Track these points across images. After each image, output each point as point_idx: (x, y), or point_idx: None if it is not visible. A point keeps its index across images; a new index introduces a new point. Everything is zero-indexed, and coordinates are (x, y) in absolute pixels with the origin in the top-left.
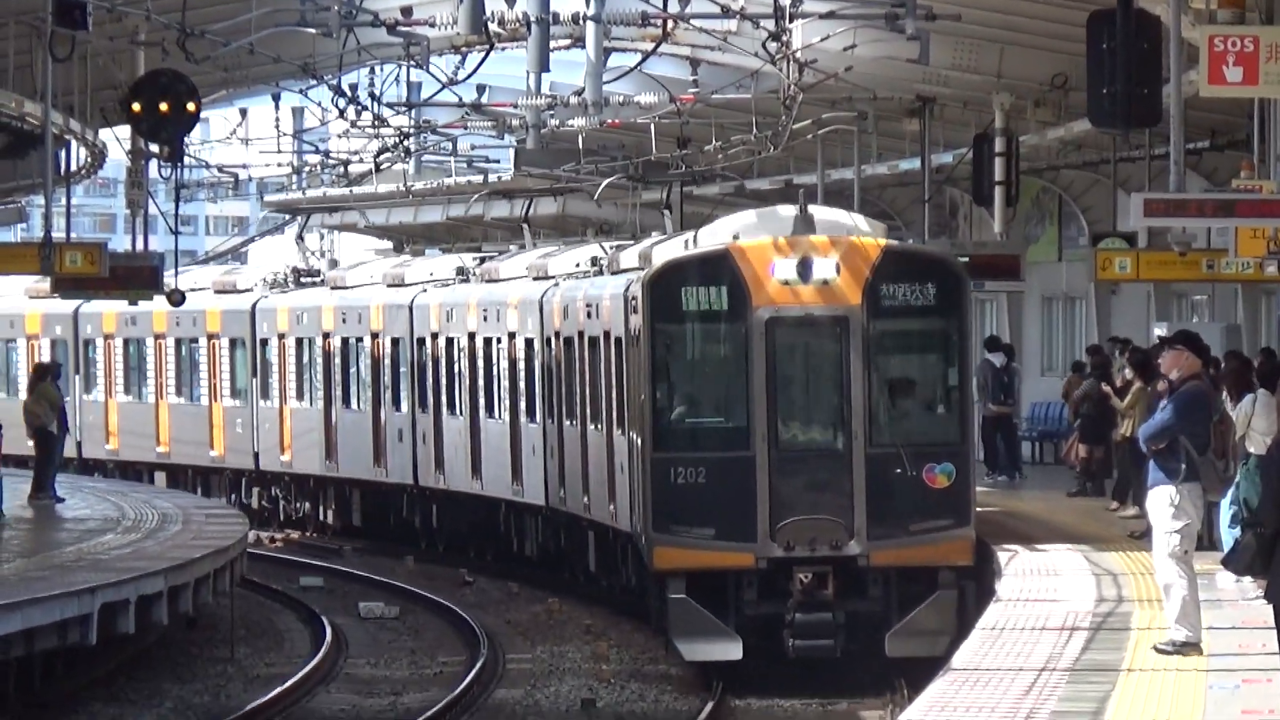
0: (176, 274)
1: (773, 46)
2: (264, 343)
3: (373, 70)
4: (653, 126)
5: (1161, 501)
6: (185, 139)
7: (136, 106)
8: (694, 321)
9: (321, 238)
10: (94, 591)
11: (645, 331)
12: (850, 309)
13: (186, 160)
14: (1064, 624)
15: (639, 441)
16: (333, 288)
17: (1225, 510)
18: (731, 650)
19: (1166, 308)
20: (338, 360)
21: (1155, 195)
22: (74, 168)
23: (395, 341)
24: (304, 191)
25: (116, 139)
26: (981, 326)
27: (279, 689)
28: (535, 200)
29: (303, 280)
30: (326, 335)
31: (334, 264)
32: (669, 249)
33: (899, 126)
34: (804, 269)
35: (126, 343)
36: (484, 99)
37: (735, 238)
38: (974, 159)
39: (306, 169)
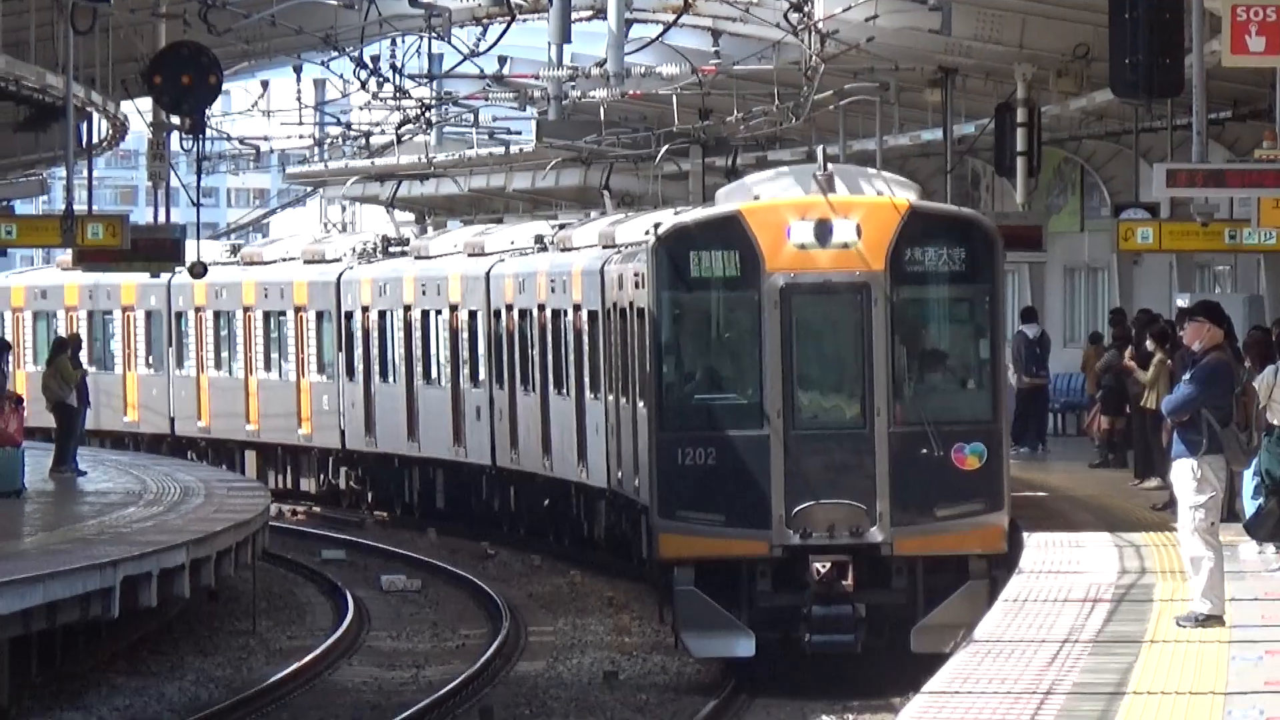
0: (199, 245)
1: (794, 17)
2: (348, 316)
3: (394, 42)
4: (674, 98)
5: (1184, 474)
6: (207, 111)
7: (158, 79)
8: (703, 289)
9: (343, 209)
10: (116, 565)
11: (651, 300)
12: (872, 275)
13: (208, 132)
14: (1086, 596)
15: (646, 420)
16: (415, 257)
17: (1248, 481)
18: (744, 646)
19: (1189, 278)
20: (418, 334)
21: (1177, 165)
22: (95, 140)
23: (473, 314)
24: (325, 163)
25: (138, 111)
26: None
27: (301, 662)
28: (611, 168)
29: (390, 250)
30: (407, 308)
31: (423, 230)
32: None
33: (921, 97)
34: (822, 232)
35: (216, 315)
36: (505, 70)
37: (756, 199)
38: (996, 130)
39: (328, 141)
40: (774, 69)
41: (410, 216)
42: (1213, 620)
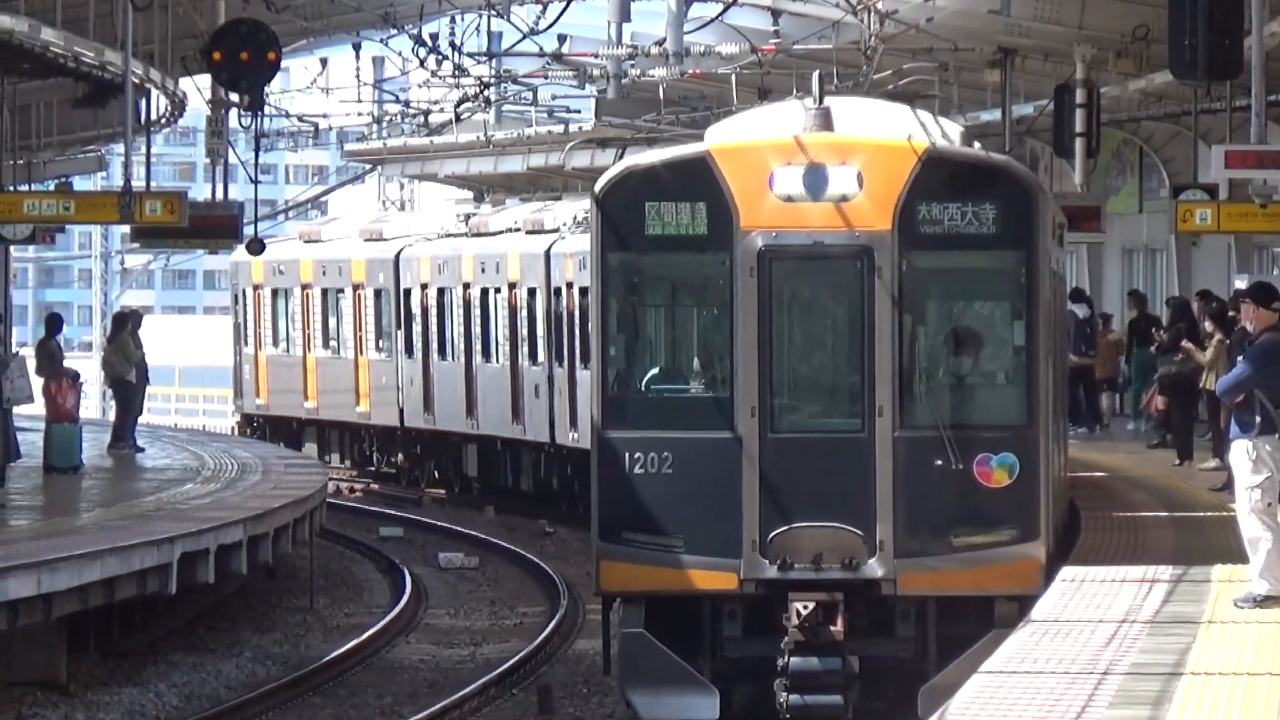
0: (256, 223)
1: None
2: (407, 294)
3: (453, 19)
4: (733, 77)
5: (1240, 456)
6: (265, 88)
7: (217, 55)
8: (660, 251)
9: (401, 187)
10: (173, 541)
11: (594, 265)
12: (876, 236)
13: (266, 109)
14: (1144, 576)
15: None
16: (474, 234)
17: None
18: (705, 707)
19: (1247, 260)
20: (477, 312)
21: (1236, 147)
22: (154, 117)
23: (532, 292)
24: (384, 141)
25: (197, 88)
26: None
27: (358, 639)
28: None
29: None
30: (466, 285)
31: (480, 207)
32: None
33: (980, 78)
34: (814, 181)
35: (274, 292)
36: (565, 49)
37: (735, 138)
38: (1055, 110)
39: (386, 118)
40: (833, 49)
41: (469, 194)
42: (1271, 601)
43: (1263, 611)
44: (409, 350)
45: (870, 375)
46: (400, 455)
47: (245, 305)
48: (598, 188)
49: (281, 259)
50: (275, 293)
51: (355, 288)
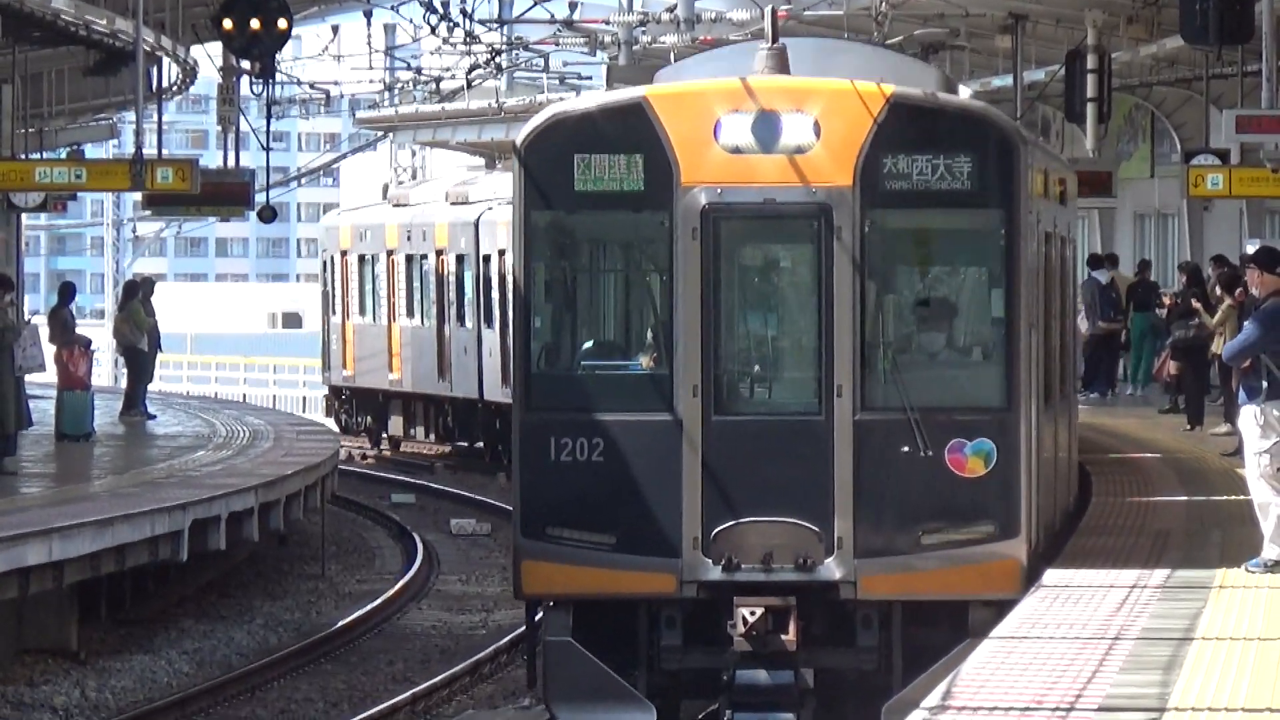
0: (269, 190)
1: None
2: (486, 260)
3: None
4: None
5: (1249, 421)
6: (276, 56)
7: (228, 23)
8: (589, 210)
9: (413, 154)
10: (185, 508)
11: (517, 224)
12: (835, 193)
13: (278, 77)
14: (1155, 541)
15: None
16: None
17: None
18: None
19: (1259, 224)
20: None
21: (1248, 112)
22: (165, 84)
23: None
24: (396, 108)
25: (208, 56)
26: None
27: (370, 605)
28: None
29: None
30: None
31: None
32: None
33: (991, 43)
34: (765, 130)
35: (361, 259)
36: (576, 16)
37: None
38: (1066, 76)
39: (398, 85)
40: (844, 14)
41: (480, 160)
42: None
43: (1273, 576)
44: (488, 320)
45: (828, 350)
46: (482, 436)
47: (333, 272)
48: (520, 137)
49: (368, 223)
50: (362, 259)
51: (438, 254)
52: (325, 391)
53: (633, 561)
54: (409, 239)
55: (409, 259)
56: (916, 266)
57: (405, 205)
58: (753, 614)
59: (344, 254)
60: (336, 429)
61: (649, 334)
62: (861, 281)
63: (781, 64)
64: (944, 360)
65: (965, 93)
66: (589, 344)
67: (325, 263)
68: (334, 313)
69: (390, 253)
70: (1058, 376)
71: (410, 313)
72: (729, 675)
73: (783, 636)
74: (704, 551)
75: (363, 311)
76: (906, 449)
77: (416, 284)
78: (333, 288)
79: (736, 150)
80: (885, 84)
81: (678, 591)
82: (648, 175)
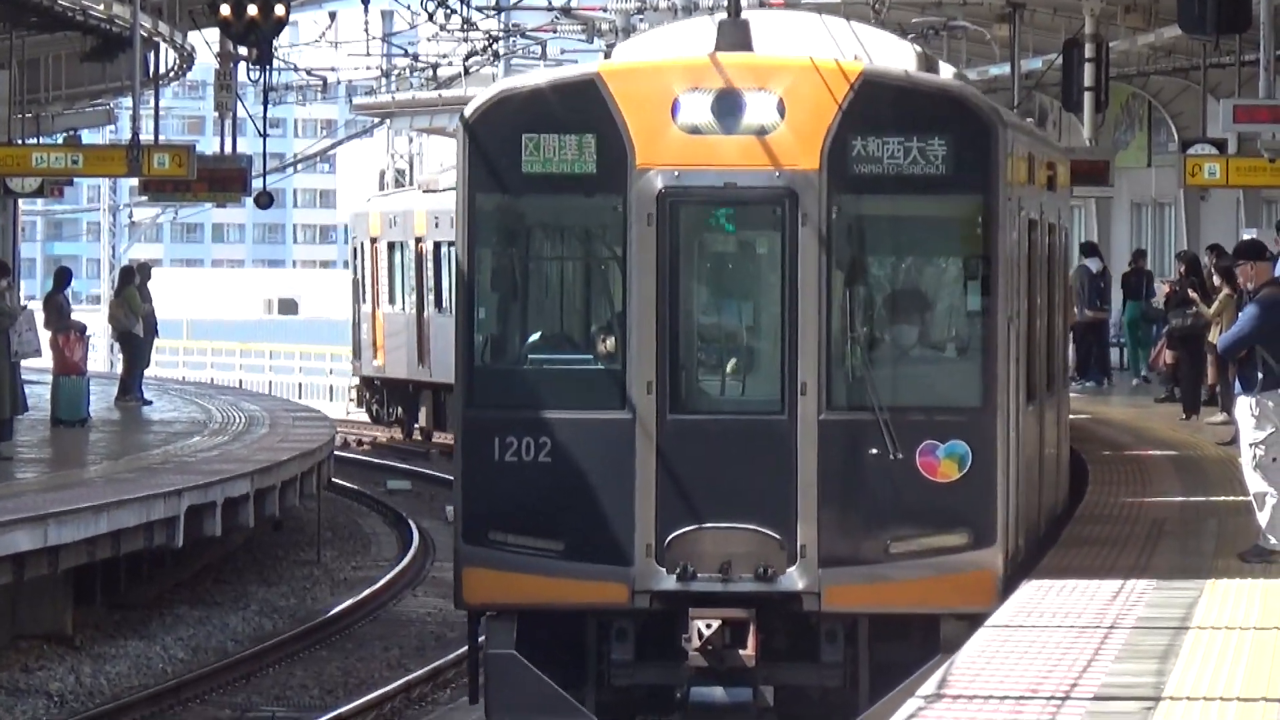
0: (266, 176)
1: None
2: None
3: None
4: None
5: (1244, 412)
6: (273, 42)
7: (225, 9)
8: (538, 193)
9: (410, 141)
10: (180, 494)
11: (461, 207)
12: (801, 177)
13: (275, 63)
14: (1150, 531)
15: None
16: None
17: None
18: None
19: (1256, 214)
20: None
21: (1244, 101)
22: (162, 70)
23: None
24: (393, 95)
25: (205, 42)
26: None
27: (366, 592)
28: None
29: None
30: None
31: None
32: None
33: (989, 32)
34: (726, 109)
35: (390, 246)
36: (573, 3)
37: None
38: (1064, 65)
39: (395, 72)
40: (841, 3)
41: None
42: (1277, 555)
43: (1269, 566)
44: None
45: (792, 346)
46: None
47: (363, 260)
48: (466, 113)
49: (398, 210)
50: (391, 246)
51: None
52: (355, 382)
53: (581, 570)
54: (436, 225)
55: (436, 246)
56: (887, 256)
57: (434, 191)
58: (709, 627)
59: (373, 241)
60: (368, 418)
61: (601, 327)
62: (828, 272)
63: (744, 38)
64: (916, 356)
65: (948, 72)
66: (537, 336)
67: (355, 250)
68: (364, 301)
69: (419, 240)
70: (1044, 370)
71: (439, 303)
72: (683, 692)
73: (741, 651)
74: (658, 560)
75: (392, 300)
76: (875, 451)
77: (445, 272)
78: (362, 275)
79: (695, 131)
80: (856, 61)
81: (629, 602)
82: (600, 157)
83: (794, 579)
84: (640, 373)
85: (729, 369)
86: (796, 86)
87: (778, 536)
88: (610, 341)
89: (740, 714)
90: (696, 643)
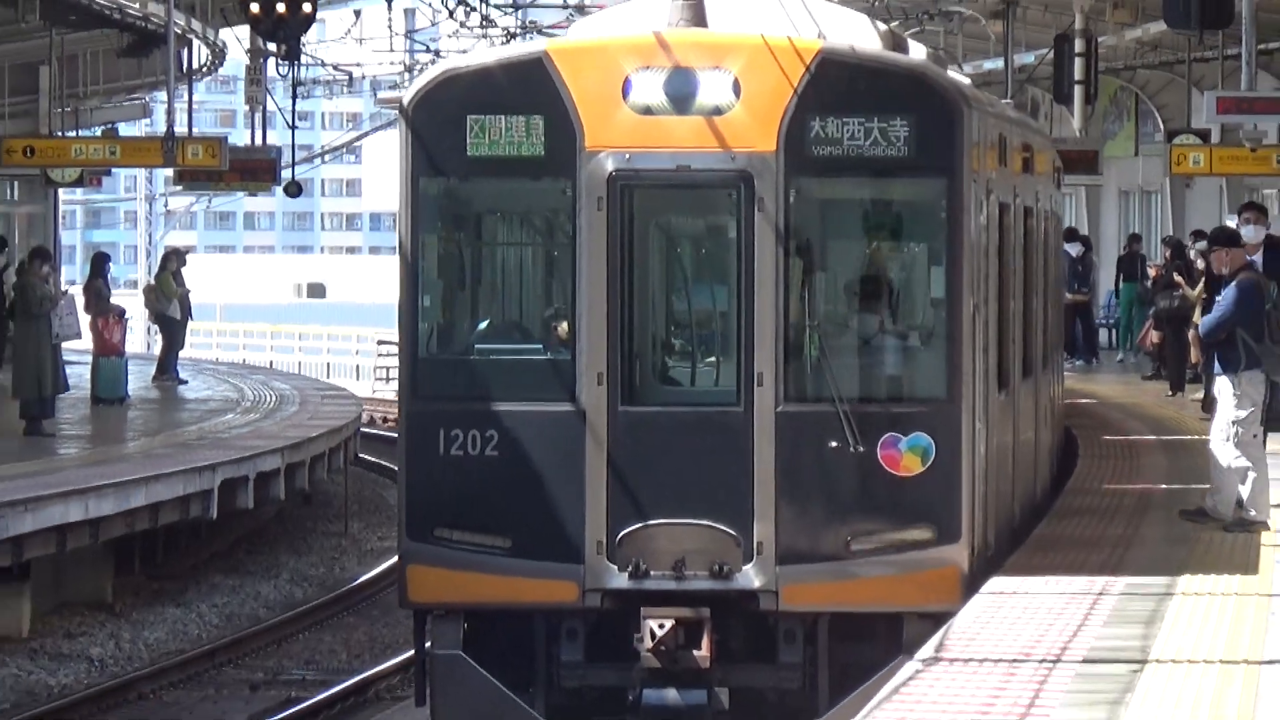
0: (295, 166)
1: None
2: None
3: None
4: None
5: (1226, 392)
6: (301, 39)
7: (255, 7)
8: (483, 177)
9: None
10: (215, 468)
11: (404, 192)
12: (757, 159)
13: (303, 59)
14: (1138, 502)
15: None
16: None
17: None
18: None
19: (1238, 201)
20: None
21: (1228, 93)
22: (195, 66)
23: None
24: None
25: (236, 38)
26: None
27: (390, 561)
28: None
29: None
30: None
31: None
32: None
33: (983, 28)
34: (680, 88)
35: None
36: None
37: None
38: (1055, 59)
39: (417, 67)
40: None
41: None
42: (1258, 525)
43: (1250, 536)
44: None
45: (748, 335)
46: None
47: None
48: (407, 96)
49: None
50: None
51: None
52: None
53: (530, 567)
54: None
55: None
56: (848, 241)
57: None
58: (662, 626)
59: None
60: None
61: (550, 315)
62: (786, 258)
63: (698, 15)
64: (877, 346)
65: (919, 51)
66: (483, 325)
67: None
68: None
69: None
70: (1020, 356)
71: None
72: (635, 694)
73: (695, 652)
74: (609, 557)
75: None
76: (835, 444)
77: None
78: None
79: (647, 111)
80: (816, 39)
81: (579, 601)
82: (548, 139)
83: (750, 577)
84: (590, 363)
85: (682, 358)
86: (753, 65)
87: (734, 533)
88: (563, 328)
89: (694, 717)
90: (649, 643)
